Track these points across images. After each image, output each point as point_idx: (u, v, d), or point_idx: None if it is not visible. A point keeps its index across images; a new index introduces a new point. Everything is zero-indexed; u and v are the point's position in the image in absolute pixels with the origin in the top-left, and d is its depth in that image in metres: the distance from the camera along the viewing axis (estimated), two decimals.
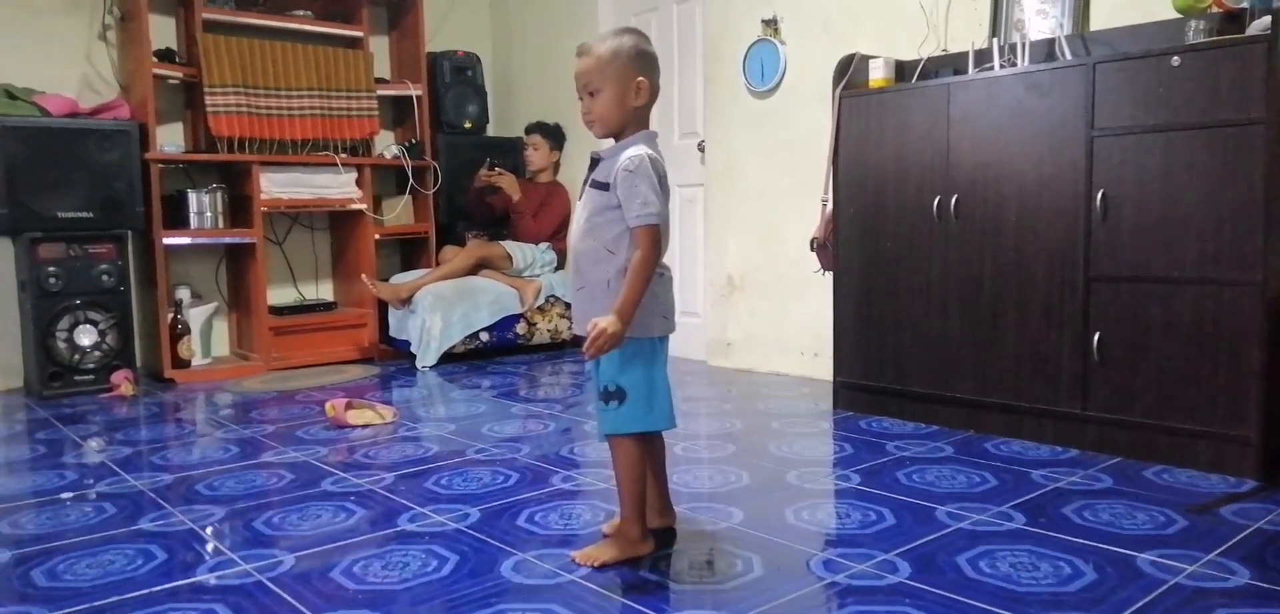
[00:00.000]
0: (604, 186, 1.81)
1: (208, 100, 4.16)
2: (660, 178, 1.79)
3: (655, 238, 1.77)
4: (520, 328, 4.64)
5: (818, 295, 3.57)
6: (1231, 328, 2.34)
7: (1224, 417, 2.37)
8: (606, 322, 1.71)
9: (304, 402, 3.61)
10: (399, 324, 4.55)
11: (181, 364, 4.20)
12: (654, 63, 1.85)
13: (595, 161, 1.87)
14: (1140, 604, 1.63)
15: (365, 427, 3.12)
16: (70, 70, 4.21)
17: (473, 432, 3.05)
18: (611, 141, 1.86)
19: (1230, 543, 1.91)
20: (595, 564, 1.82)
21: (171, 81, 4.34)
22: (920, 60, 3.19)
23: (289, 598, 1.72)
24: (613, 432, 1.84)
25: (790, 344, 3.98)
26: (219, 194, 4.30)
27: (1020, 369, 2.74)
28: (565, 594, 1.72)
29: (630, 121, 1.83)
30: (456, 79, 5.06)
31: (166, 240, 4.12)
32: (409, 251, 5.08)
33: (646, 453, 1.89)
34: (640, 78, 1.81)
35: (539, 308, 4.67)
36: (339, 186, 4.54)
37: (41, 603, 1.73)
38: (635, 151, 1.78)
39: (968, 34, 3.19)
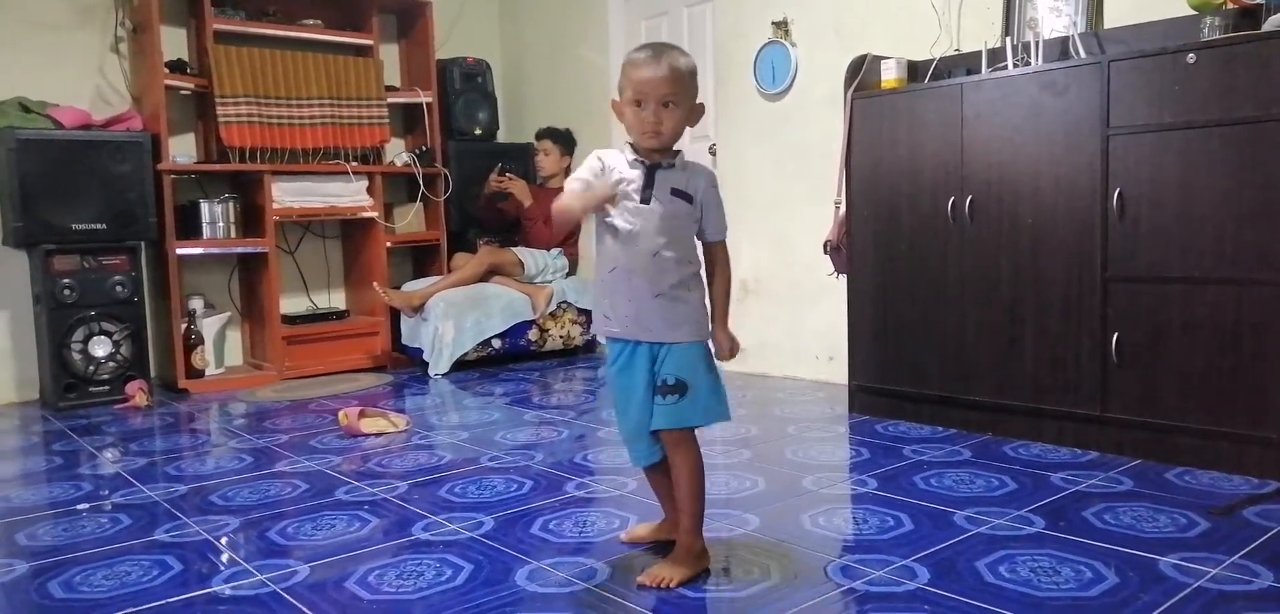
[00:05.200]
0: (689, 198, 1.80)
1: (219, 110, 4.17)
2: None
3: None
4: (532, 334, 4.63)
5: (832, 299, 3.55)
6: (1252, 327, 2.31)
7: (1245, 417, 2.34)
8: (728, 338, 1.87)
9: (317, 411, 3.61)
10: (411, 332, 4.55)
11: (195, 374, 4.21)
12: None
13: (653, 169, 1.78)
14: (1163, 608, 1.61)
15: (378, 435, 3.12)
16: (83, 83, 4.23)
17: (486, 439, 3.04)
18: (661, 154, 1.81)
19: (1253, 545, 1.88)
20: (670, 585, 1.76)
21: (183, 92, 4.36)
22: (933, 60, 3.17)
23: (304, 608, 1.72)
24: (677, 425, 1.79)
25: (805, 348, 3.96)
26: (231, 204, 4.31)
27: (1038, 371, 2.71)
28: (580, 603, 1.71)
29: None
30: (466, 86, 5.06)
31: (179, 251, 4.14)
32: (420, 259, 5.08)
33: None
34: (701, 100, 1.82)
35: (551, 314, 4.66)
36: (350, 195, 4.55)
37: None
38: (707, 168, 1.87)
39: (980, 33, 3.17)
